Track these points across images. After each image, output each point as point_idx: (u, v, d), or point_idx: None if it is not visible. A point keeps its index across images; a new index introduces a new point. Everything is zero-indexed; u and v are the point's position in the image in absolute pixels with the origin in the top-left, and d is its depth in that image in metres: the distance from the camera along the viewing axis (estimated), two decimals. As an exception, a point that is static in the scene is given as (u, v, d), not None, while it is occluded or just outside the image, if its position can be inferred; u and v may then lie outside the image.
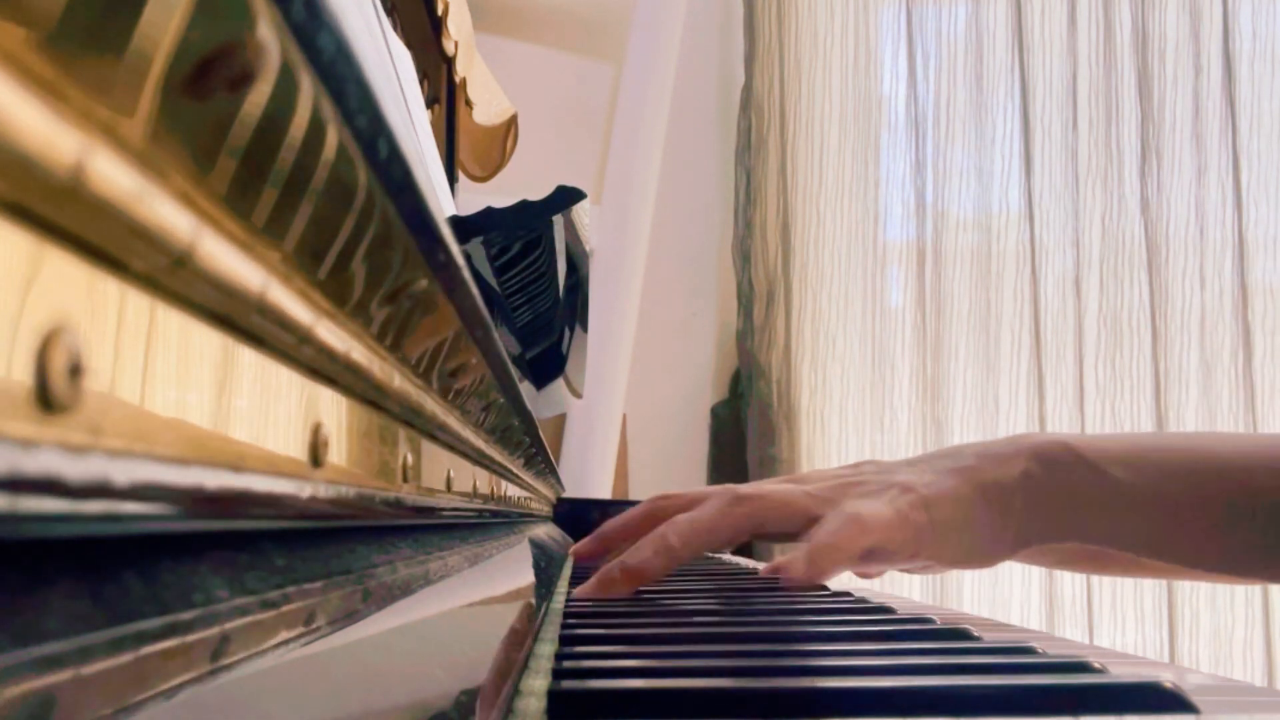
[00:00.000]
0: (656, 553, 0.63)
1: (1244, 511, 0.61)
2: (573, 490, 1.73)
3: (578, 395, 1.17)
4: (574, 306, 1.01)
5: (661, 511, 0.69)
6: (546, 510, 1.20)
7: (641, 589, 0.63)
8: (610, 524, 0.72)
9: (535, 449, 0.77)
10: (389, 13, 0.92)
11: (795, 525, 0.66)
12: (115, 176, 0.13)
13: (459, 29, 1.23)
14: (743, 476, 2.26)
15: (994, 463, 0.65)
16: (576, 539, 1.36)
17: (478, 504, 0.51)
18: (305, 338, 0.20)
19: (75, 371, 0.12)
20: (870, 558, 0.64)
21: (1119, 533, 0.64)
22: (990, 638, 0.44)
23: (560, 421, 1.99)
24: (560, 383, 1.09)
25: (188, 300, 0.16)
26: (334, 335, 0.22)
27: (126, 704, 0.13)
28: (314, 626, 0.20)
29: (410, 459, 0.32)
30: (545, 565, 0.69)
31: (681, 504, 0.69)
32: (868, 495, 0.65)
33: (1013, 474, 0.64)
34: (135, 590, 0.15)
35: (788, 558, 0.64)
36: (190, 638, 0.15)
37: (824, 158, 2.32)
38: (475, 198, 1.12)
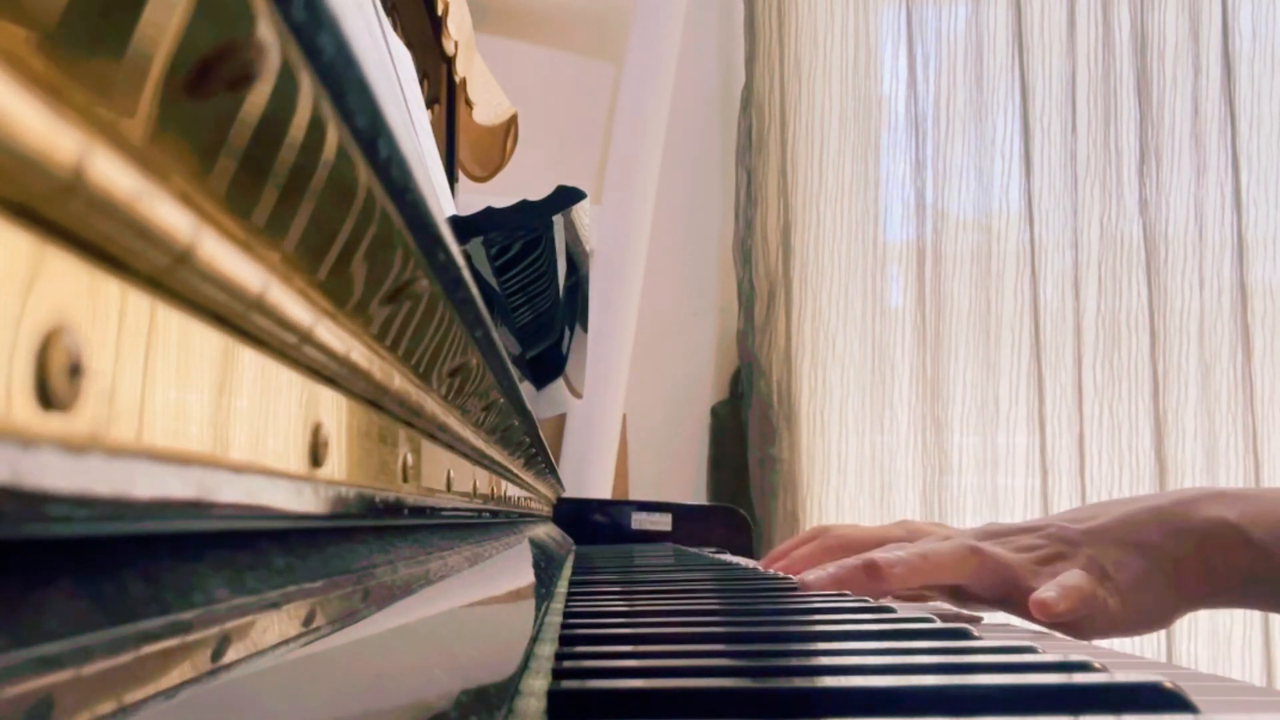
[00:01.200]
0: (874, 576, 0.68)
1: None
2: (573, 490, 1.73)
3: (578, 395, 1.17)
4: (574, 306, 1.01)
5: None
6: (546, 510, 1.20)
7: (640, 588, 0.63)
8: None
9: (535, 449, 0.77)
10: (389, 13, 0.92)
11: (1002, 591, 0.69)
12: (115, 176, 0.13)
13: (459, 29, 1.23)
14: (743, 476, 2.26)
15: (1174, 540, 0.68)
16: (577, 539, 1.36)
17: (478, 504, 0.51)
18: (305, 338, 0.20)
19: (75, 371, 0.12)
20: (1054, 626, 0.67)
21: (1276, 601, 0.68)
22: (990, 638, 0.44)
23: (560, 421, 1.99)
24: (560, 383, 1.09)
25: (188, 300, 0.16)
26: (334, 335, 0.22)
27: (126, 704, 0.13)
28: (314, 626, 0.20)
29: (410, 459, 0.32)
30: (545, 565, 0.69)
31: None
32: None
33: (1188, 552, 0.67)
34: (135, 590, 0.15)
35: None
36: (190, 638, 0.15)
37: (824, 158, 2.32)
38: (475, 198, 1.12)
